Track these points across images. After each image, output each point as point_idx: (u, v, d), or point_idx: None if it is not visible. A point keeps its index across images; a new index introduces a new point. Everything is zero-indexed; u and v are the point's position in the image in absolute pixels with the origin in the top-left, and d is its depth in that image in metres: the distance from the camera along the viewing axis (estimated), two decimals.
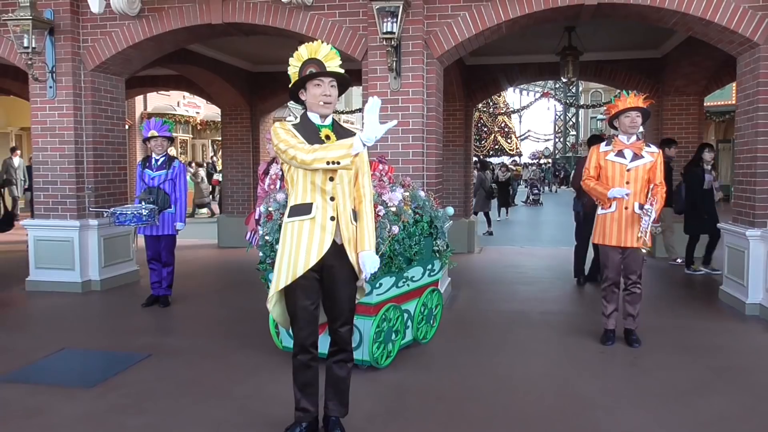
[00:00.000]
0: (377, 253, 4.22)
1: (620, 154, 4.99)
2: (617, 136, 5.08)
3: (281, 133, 3.11)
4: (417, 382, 4.32)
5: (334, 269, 3.19)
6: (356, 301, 3.38)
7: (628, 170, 4.93)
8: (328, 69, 3.17)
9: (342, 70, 3.23)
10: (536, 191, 25.27)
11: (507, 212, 18.77)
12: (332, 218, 3.13)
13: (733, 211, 6.63)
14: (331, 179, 3.12)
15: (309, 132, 3.15)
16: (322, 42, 3.26)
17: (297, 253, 3.12)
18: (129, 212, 6.05)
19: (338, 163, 2.92)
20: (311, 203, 3.13)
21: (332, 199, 3.14)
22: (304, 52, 3.22)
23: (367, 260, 3.19)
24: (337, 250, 3.16)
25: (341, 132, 3.23)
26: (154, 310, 6.41)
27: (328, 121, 3.25)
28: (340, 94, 3.28)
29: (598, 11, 6.41)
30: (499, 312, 6.34)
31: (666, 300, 6.73)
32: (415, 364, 4.68)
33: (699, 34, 6.51)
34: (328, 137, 3.15)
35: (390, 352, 4.61)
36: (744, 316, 6.00)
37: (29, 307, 6.68)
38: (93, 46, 7.18)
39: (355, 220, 3.24)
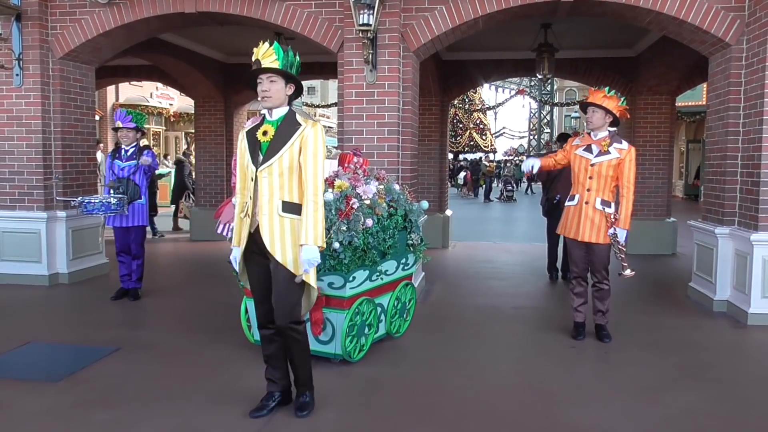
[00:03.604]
0: (350, 244, 4.21)
1: (588, 149, 5.00)
2: (588, 132, 5.09)
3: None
4: (389, 376, 4.30)
5: (273, 261, 3.36)
6: (311, 300, 3.49)
7: (591, 165, 4.94)
8: (263, 66, 3.34)
9: (275, 65, 3.33)
10: (510, 188, 25.46)
11: None
12: (248, 215, 3.39)
13: (702, 210, 6.73)
14: (252, 179, 3.37)
15: (252, 133, 3.42)
16: (265, 41, 3.43)
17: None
18: (97, 201, 5.96)
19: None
20: (243, 201, 3.46)
21: (251, 198, 3.38)
22: (253, 54, 3.43)
23: (302, 254, 3.28)
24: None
25: (287, 126, 3.36)
26: (123, 303, 6.30)
27: (277, 114, 3.41)
28: (298, 89, 3.45)
29: (575, 8, 6.44)
30: (472, 307, 6.35)
31: (636, 296, 6.81)
32: (388, 358, 4.66)
33: (672, 34, 6.58)
34: (265, 133, 3.36)
35: (363, 345, 4.58)
36: (712, 312, 6.09)
37: None
38: (62, 34, 7.01)
39: (291, 212, 3.33)
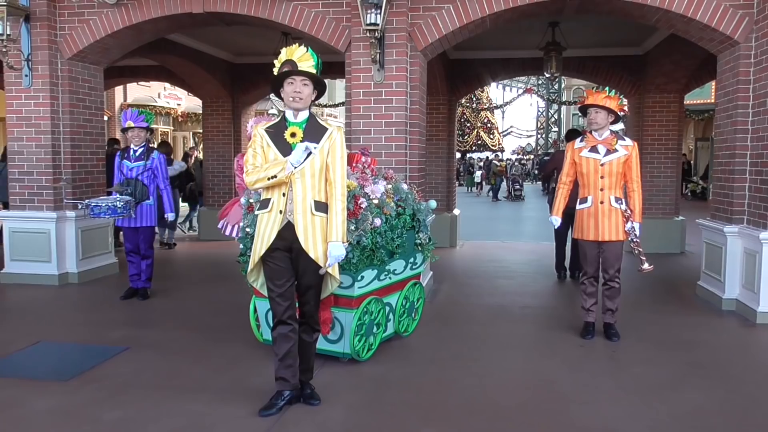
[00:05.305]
0: (358, 244, 4.22)
1: (594, 149, 5.02)
2: (590, 132, 5.10)
3: (249, 151, 3.56)
4: (398, 375, 4.31)
5: (300, 255, 3.52)
6: (328, 289, 3.74)
7: (602, 165, 4.97)
8: (300, 68, 3.48)
9: (313, 70, 3.51)
10: (518, 187, 25.37)
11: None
12: (280, 212, 3.49)
13: (711, 208, 6.70)
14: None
15: (278, 132, 3.54)
16: (300, 45, 3.59)
17: (258, 240, 3.56)
18: (104, 204, 5.97)
19: (275, 177, 3.39)
20: (269, 198, 3.54)
21: (284, 195, 3.48)
22: (283, 53, 3.58)
23: (331, 250, 3.48)
24: (297, 238, 3.49)
25: (314, 128, 3.54)
26: (132, 303, 6.33)
27: (302, 116, 3.55)
28: (320, 94, 3.62)
29: (582, 7, 6.42)
30: (480, 306, 6.35)
31: (644, 295, 6.79)
32: (397, 357, 4.66)
33: (681, 32, 6.55)
34: (294, 134, 3.50)
35: (371, 345, 4.59)
36: (720, 311, 6.06)
37: (4, 300, 6.55)
38: (70, 34, 7.05)
39: (321, 211, 3.52)
